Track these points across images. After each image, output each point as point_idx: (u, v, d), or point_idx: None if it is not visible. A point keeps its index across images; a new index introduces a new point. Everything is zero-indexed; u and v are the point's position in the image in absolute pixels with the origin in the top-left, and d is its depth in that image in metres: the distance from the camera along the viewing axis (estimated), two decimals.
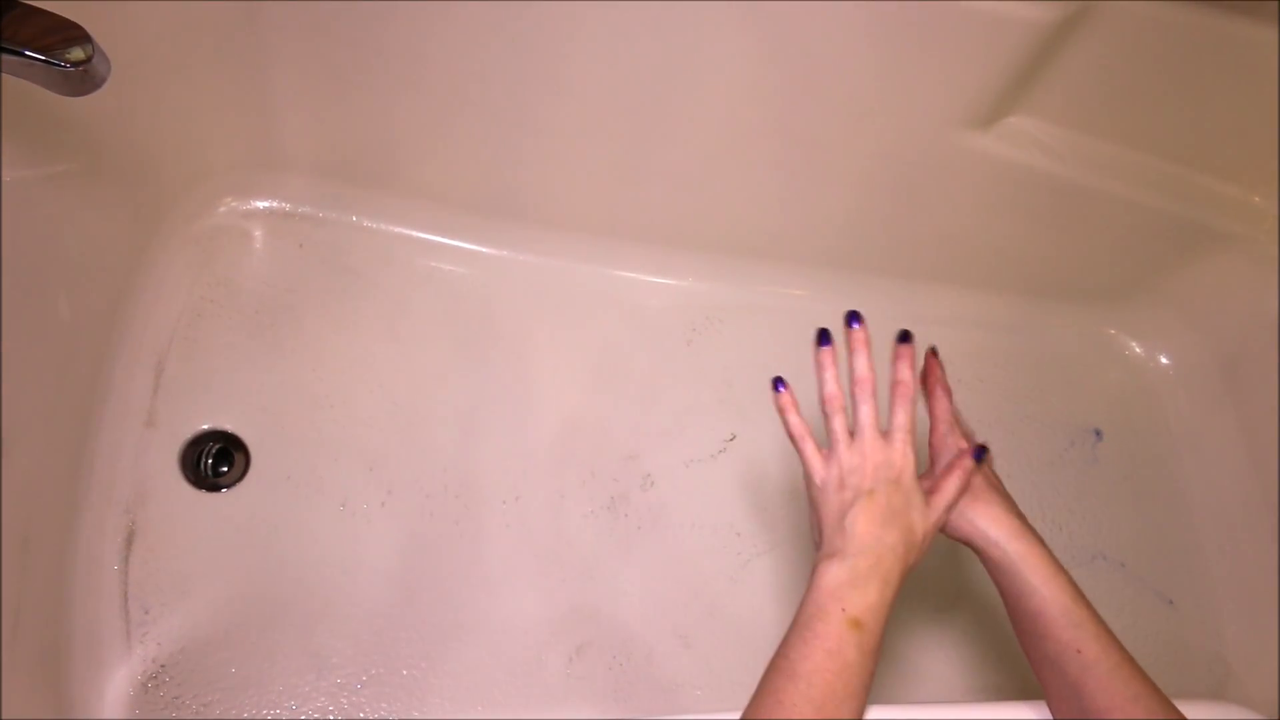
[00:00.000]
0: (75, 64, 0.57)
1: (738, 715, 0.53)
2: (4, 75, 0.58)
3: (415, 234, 1.14)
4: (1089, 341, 1.31)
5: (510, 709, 0.96)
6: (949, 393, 0.70)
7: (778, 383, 0.65)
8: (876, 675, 0.55)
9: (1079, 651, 0.56)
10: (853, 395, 0.62)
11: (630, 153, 1.06)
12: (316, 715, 0.91)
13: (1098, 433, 1.26)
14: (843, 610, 0.55)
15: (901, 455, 0.61)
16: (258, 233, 1.10)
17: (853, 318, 0.64)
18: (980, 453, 0.64)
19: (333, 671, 0.93)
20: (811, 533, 0.63)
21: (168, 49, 0.90)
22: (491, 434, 1.07)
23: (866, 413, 0.62)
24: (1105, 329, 1.32)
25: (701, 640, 1.03)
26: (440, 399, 1.08)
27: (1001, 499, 0.63)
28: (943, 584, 1.11)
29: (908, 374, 0.63)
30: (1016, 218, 1.13)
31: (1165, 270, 1.21)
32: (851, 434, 0.62)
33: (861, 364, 0.63)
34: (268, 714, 0.90)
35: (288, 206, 1.12)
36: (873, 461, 0.60)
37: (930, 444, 0.68)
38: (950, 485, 0.62)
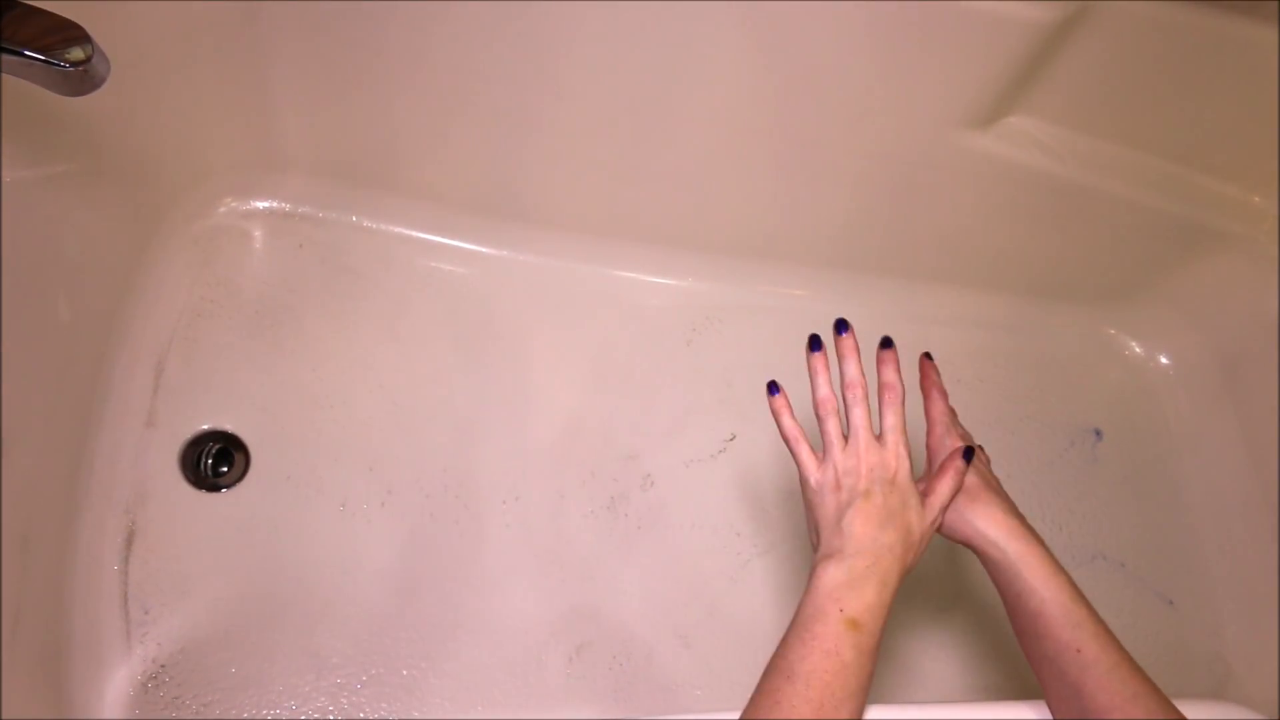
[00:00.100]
0: (75, 64, 0.57)
1: (737, 715, 0.53)
2: (4, 75, 0.58)
3: (415, 234, 1.14)
4: (1089, 341, 1.31)
5: (510, 709, 0.96)
6: (944, 395, 0.70)
7: (772, 386, 0.66)
8: (876, 675, 0.55)
9: (1078, 651, 0.56)
10: (845, 399, 0.63)
11: (630, 153, 1.06)
12: (316, 715, 0.91)
13: (1098, 433, 1.26)
14: (840, 611, 0.55)
15: (895, 456, 0.61)
16: (258, 233, 1.10)
17: (841, 326, 0.65)
18: (967, 452, 0.64)
19: (333, 671, 0.93)
20: (809, 534, 0.64)
21: (168, 49, 0.90)
22: (491, 434, 1.07)
23: (860, 415, 0.62)
24: (1105, 329, 1.32)
25: (701, 640, 1.03)
26: (440, 399, 1.08)
27: (1000, 499, 0.63)
28: (942, 584, 1.11)
29: (894, 377, 0.64)
30: (1016, 218, 1.13)
31: (1165, 270, 1.21)
32: (846, 437, 0.62)
33: (852, 369, 0.63)
34: (268, 714, 0.90)
35: (288, 206, 1.12)
36: (867, 463, 0.61)
37: (927, 445, 0.68)
38: (945, 486, 0.62)
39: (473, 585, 1.00)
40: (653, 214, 1.15)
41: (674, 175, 1.09)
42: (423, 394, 1.07)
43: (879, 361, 0.65)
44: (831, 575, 0.57)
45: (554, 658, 0.99)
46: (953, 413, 0.70)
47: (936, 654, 1.07)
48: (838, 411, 0.64)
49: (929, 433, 0.68)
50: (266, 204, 1.11)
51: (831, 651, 0.53)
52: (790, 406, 0.65)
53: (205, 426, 1.00)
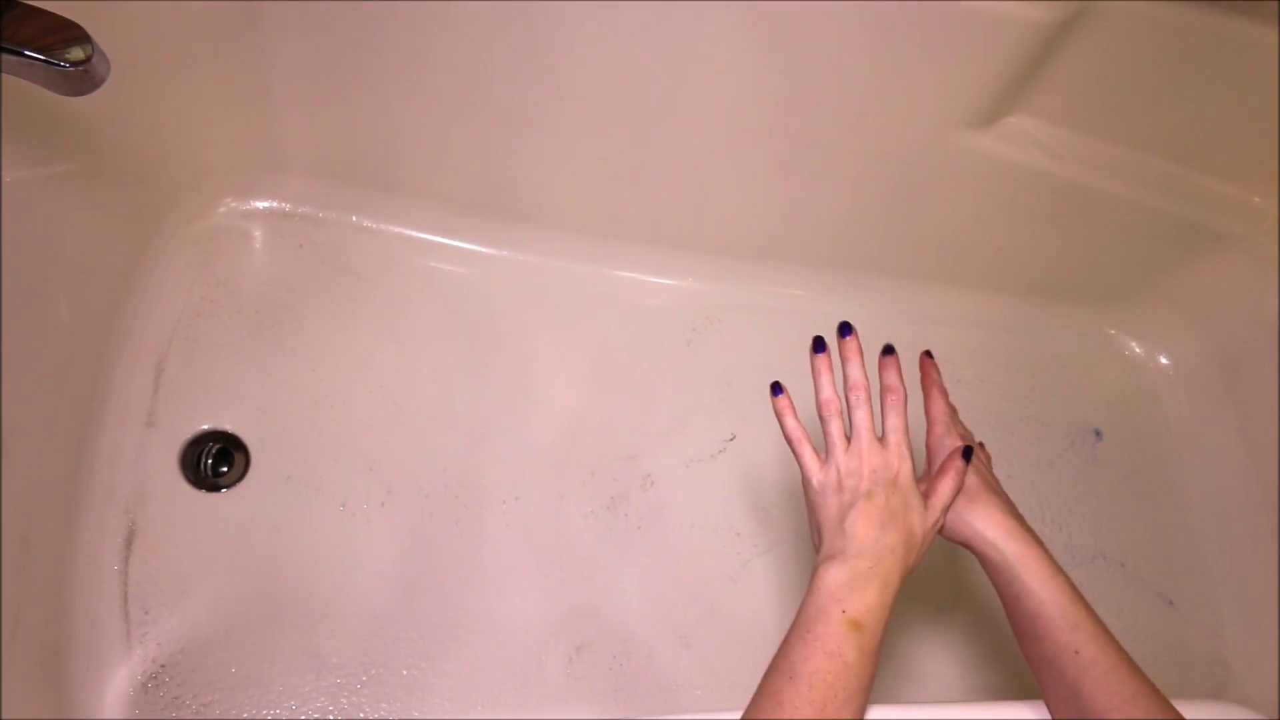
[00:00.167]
0: (75, 64, 0.57)
1: (737, 715, 0.53)
2: (4, 75, 0.58)
3: (415, 234, 1.14)
4: (1089, 341, 1.31)
5: (510, 709, 0.96)
6: (944, 393, 0.70)
7: (775, 387, 0.66)
8: (876, 675, 0.55)
9: (1077, 652, 0.56)
10: (848, 401, 0.63)
11: (630, 153, 1.06)
12: (316, 715, 0.91)
13: (1098, 433, 1.26)
14: (843, 612, 0.55)
15: (898, 457, 0.61)
16: (258, 233, 1.10)
17: (844, 329, 0.65)
18: (966, 452, 0.64)
19: (333, 671, 0.93)
20: (811, 535, 0.64)
21: (168, 49, 0.90)
22: (491, 434, 1.07)
23: (862, 416, 0.62)
24: (1105, 329, 1.32)
25: (701, 640, 1.03)
26: (440, 399, 1.08)
27: (999, 500, 0.63)
28: (942, 585, 1.11)
29: (896, 380, 0.64)
30: (1016, 218, 1.13)
31: (1165, 270, 1.21)
32: (848, 438, 0.62)
33: (855, 371, 0.64)
34: (268, 714, 0.90)
35: (288, 207, 1.12)
36: (870, 464, 0.61)
37: (927, 445, 0.68)
38: (945, 486, 0.62)
39: (473, 585, 1.00)
40: (653, 214, 1.15)
41: (674, 175, 1.09)
42: (423, 394, 1.07)
43: (881, 367, 0.65)
44: (833, 576, 0.57)
45: (554, 658, 0.99)
46: (953, 411, 0.70)
47: (936, 655, 1.08)
48: (841, 413, 0.64)
49: (929, 432, 0.69)
50: (266, 204, 1.11)
51: (834, 652, 0.53)
52: (793, 407, 0.65)
53: (205, 426, 1.00)
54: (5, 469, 0.75)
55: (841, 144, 1.03)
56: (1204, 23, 0.90)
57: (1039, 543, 0.61)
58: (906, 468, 0.61)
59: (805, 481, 0.64)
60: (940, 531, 0.64)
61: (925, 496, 0.62)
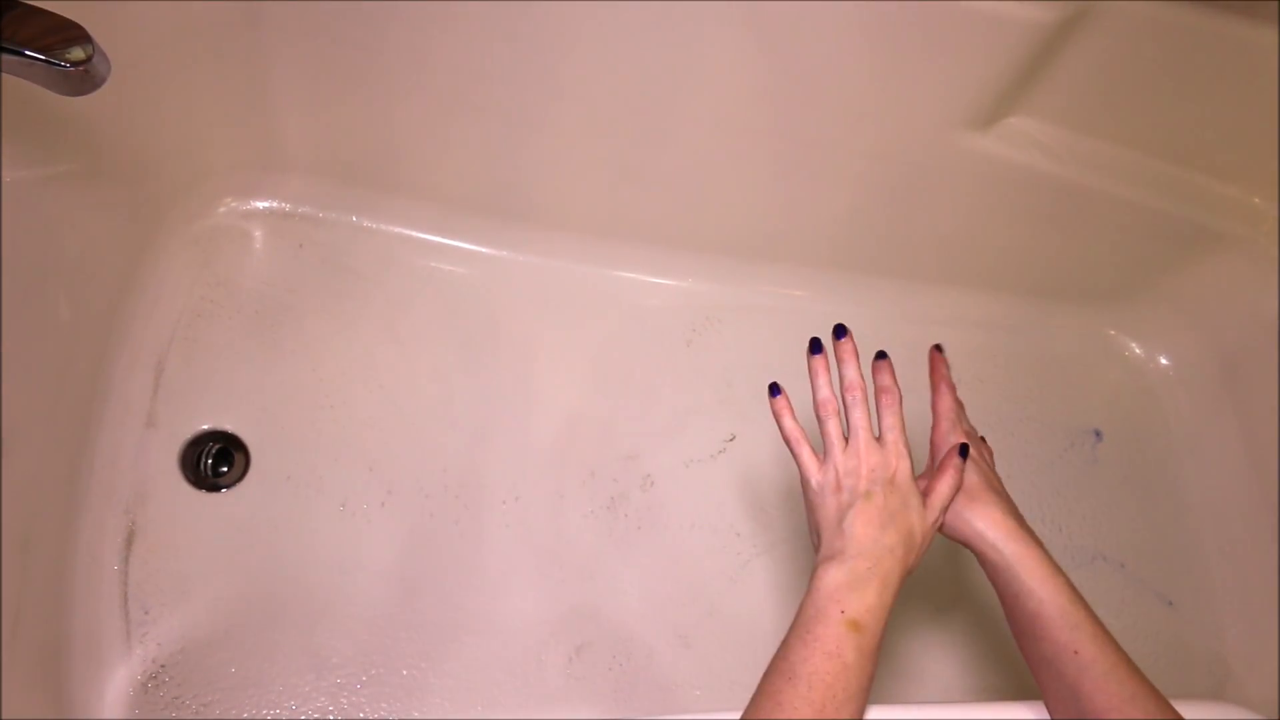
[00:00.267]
0: (75, 64, 0.57)
1: (737, 715, 0.53)
2: (4, 75, 0.58)
3: (416, 234, 1.14)
4: (1089, 341, 1.31)
5: (510, 709, 0.96)
6: (952, 388, 0.70)
7: (773, 388, 0.66)
8: (876, 675, 0.55)
9: (1076, 653, 0.56)
10: (844, 401, 0.63)
11: (631, 153, 1.06)
12: (316, 715, 0.91)
13: (1097, 433, 1.26)
14: (841, 612, 0.55)
15: (895, 456, 0.61)
16: (258, 233, 1.10)
17: (839, 331, 0.65)
18: (964, 450, 0.64)
19: (333, 671, 0.93)
20: (810, 535, 0.64)
21: (168, 49, 0.90)
22: (491, 434, 1.07)
23: (859, 416, 0.63)
24: (1105, 329, 1.32)
25: (701, 640, 1.03)
26: (440, 399, 1.08)
27: (999, 500, 0.63)
28: (942, 585, 1.11)
29: (890, 380, 0.64)
30: (1016, 218, 1.13)
31: (1165, 270, 1.21)
32: (846, 438, 0.63)
33: (851, 371, 0.64)
34: (268, 714, 0.90)
35: (288, 207, 1.12)
36: (868, 464, 0.61)
37: (931, 441, 0.68)
38: (944, 485, 0.62)
39: (473, 585, 1.00)
40: (653, 214, 1.15)
41: (674, 175, 1.09)
42: (423, 394, 1.07)
43: (874, 370, 0.65)
44: (832, 577, 0.57)
45: (554, 658, 0.99)
46: (960, 407, 0.70)
47: (936, 654, 1.07)
48: (838, 413, 0.64)
49: (934, 427, 0.69)
50: (267, 204, 1.11)
51: (833, 653, 0.53)
52: (791, 408, 0.66)
53: (205, 426, 1.00)
54: (5, 469, 0.75)
55: (841, 144, 1.03)
56: (1204, 23, 0.90)
57: (1038, 543, 0.61)
58: (904, 466, 0.61)
59: (804, 482, 0.64)
60: (941, 529, 0.64)
61: (924, 495, 0.62)
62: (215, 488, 0.98)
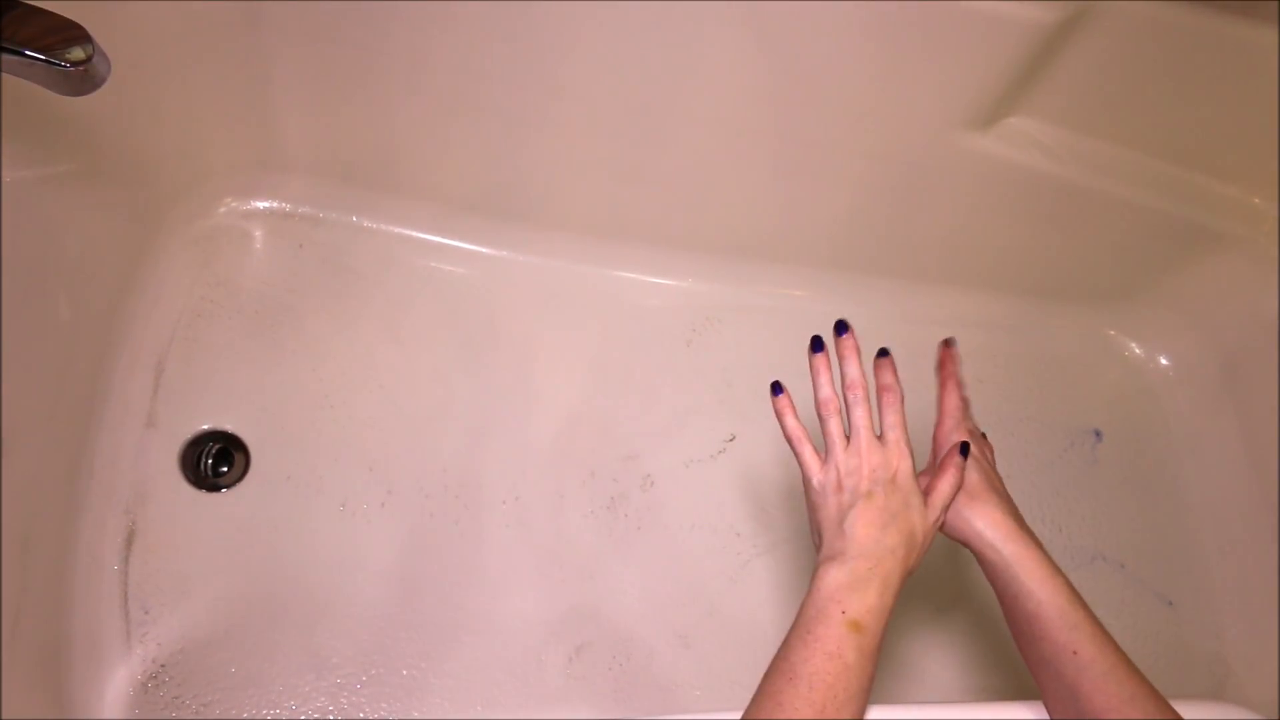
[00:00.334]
0: (75, 64, 0.57)
1: (737, 716, 0.53)
2: (4, 75, 0.58)
3: (416, 234, 1.14)
4: (1089, 342, 1.31)
5: (510, 709, 0.96)
6: (960, 386, 0.69)
7: (775, 386, 0.66)
8: (876, 675, 0.55)
9: (1075, 653, 0.56)
10: (845, 400, 0.63)
11: (631, 153, 1.06)
12: (316, 715, 0.91)
13: (1097, 433, 1.26)
14: (842, 613, 0.55)
15: (897, 455, 0.61)
16: (258, 233, 1.10)
17: (841, 327, 0.65)
18: (964, 449, 0.64)
19: (333, 671, 0.93)
20: (811, 535, 0.64)
21: (168, 49, 0.90)
22: (491, 434, 1.07)
23: (861, 415, 0.62)
24: (1105, 329, 1.32)
25: (701, 640, 1.03)
26: (440, 399, 1.08)
27: (1000, 500, 0.63)
28: (942, 585, 1.11)
29: (892, 378, 0.64)
30: (1016, 219, 1.13)
31: (1165, 271, 1.21)
32: (848, 437, 0.62)
33: (853, 369, 0.64)
34: (268, 714, 0.90)
35: (288, 207, 1.12)
36: (869, 464, 0.61)
37: (934, 437, 0.68)
38: (945, 484, 0.62)
39: (473, 585, 1.00)
40: (653, 214, 1.15)
41: (674, 175, 1.09)
42: (423, 394, 1.07)
43: (876, 368, 0.65)
44: (833, 577, 0.57)
45: (554, 658, 0.99)
46: (966, 405, 0.69)
47: (935, 654, 1.07)
48: (840, 412, 0.64)
49: (938, 423, 0.68)
50: (267, 204, 1.11)
51: (834, 653, 0.53)
52: (794, 407, 0.65)
53: (205, 426, 1.00)
54: (5, 469, 0.75)
55: (842, 144, 1.03)
56: (1204, 23, 0.90)
57: (1037, 543, 0.61)
58: (906, 466, 0.61)
59: (805, 481, 0.64)
60: (940, 528, 0.63)
61: (926, 494, 0.62)
62: (215, 488, 0.98)
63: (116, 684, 0.88)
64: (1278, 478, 1.13)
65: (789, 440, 0.65)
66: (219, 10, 0.89)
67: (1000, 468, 0.69)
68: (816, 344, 0.65)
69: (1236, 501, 1.19)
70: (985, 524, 0.61)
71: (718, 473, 1.12)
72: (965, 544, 0.63)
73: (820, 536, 0.61)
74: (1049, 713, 0.59)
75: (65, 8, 0.59)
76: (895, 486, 0.60)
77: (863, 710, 0.54)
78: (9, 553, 0.75)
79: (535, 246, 1.17)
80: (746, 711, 0.53)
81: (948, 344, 0.71)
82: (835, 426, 0.63)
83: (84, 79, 0.58)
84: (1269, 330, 1.14)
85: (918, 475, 0.63)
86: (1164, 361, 1.30)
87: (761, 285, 1.22)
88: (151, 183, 1.00)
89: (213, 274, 1.06)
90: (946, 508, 0.62)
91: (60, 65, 0.57)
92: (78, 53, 0.57)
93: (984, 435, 0.71)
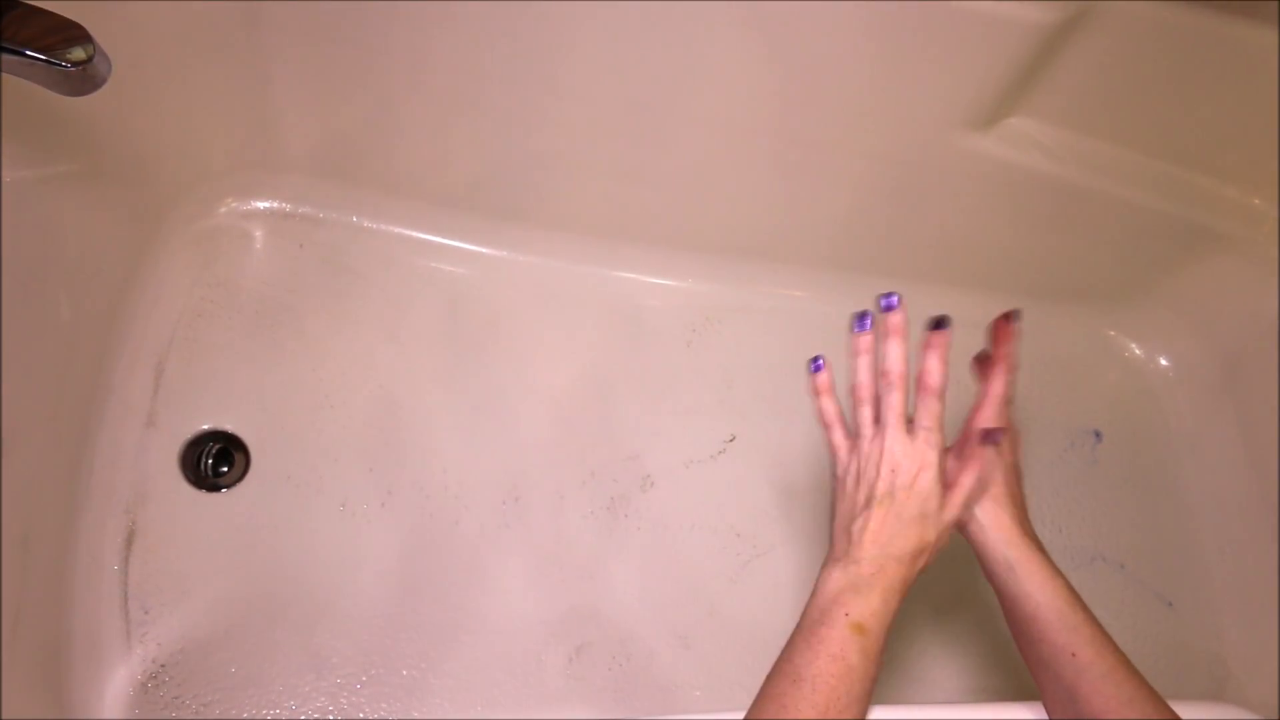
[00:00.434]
0: (76, 64, 0.57)
1: (738, 716, 0.53)
2: (4, 75, 0.58)
3: (416, 234, 1.14)
4: (1089, 342, 1.31)
5: (510, 709, 0.96)
6: (1010, 371, 0.62)
7: (816, 362, 0.62)
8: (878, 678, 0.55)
9: (1074, 655, 0.56)
10: (880, 385, 0.60)
11: (630, 153, 1.06)
12: (316, 715, 0.91)
13: (1097, 434, 1.26)
14: (846, 615, 0.55)
15: (923, 454, 0.58)
16: (258, 233, 1.10)
17: (887, 299, 0.59)
18: (991, 436, 0.61)
19: (333, 671, 0.93)
20: (829, 523, 0.62)
21: (168, 49, 0.90)
22: (491, 434, 1.07)
23: (893, 404, 0.59)
24: (1105, 330, 1.32)
25: (701, 640, 1.03)
26: (440, 399, 1.08)
27: (1010, 502, 0.62)
28: (942, 585, 1.11)
29: (936, 366, 0.59)
30: (1016, 219, 1.13)
31: (1165, 271, 1.21)
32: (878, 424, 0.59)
33: (893, 355, 0.59)
34: (268, 714, 0.90)
35: (288, 207, 1.12)
36: (890, 461, 0.58)
37: (968, 420, 0.63)
38: (967, 479, 0.60)
39: (472, 585, 1.00)
40: (653, 214, 1.15)
41: (674, 175, 1.09)
42: (423, 394, 1.07)
43: (925, 346, 0.59)
44: (837, 580, 0.57)
45: (554, 658, 0.99)
46: (1008, 395, 0.64)
47: (935, 655, 1.07)
48: (874, 399, 0.60)
49: (977, 407, 0.63)
50: (267, 204, 1.11)
51: (837, 655, 0.53)
52: (832, 387, 0.62)
53: (205, 426, 1.00)
54: (5, 469, 0.75)
55: (842, 144, 1.03)
56: (1204, 23, 0.90)
57: (1039, 545, 0.61)
58: (931, 465, 0.58)
59: (832, 464, 0.62)
60: None
61: (947, 488, 0.59)
62: (215, 488, 0.98)
63: (116, 684, 0.88)
64: (1278, 478, 1.13)
65: (822, 422, 0.62)
66: (219, 10, 0.89)
67: None
68: (861, 321, 0.61)
69: (1236, 501, 1.19)
70: (990, 524, 0.61)
71: (718, 473, 1.12)
72: (967, 540, 0.63)
73: (832, 532, 0.61)
74: (1048, 714, 0.59)
75: (65, 8, 0.59)
76: (913, 492, 0.58)
77: (865, 712, 0.54)
78: (9, 553, 0.75)
79: (535, 246, 1.17)
80: (749, 713, 0.53)
81: (1008, 318, 0.63)
82: (866, 414, 0.60)
83: (84, 79, 0.58)
84: (1269, 330, 1.14)
85: (944, 451, 0.59)
86: (1164, 362, 1.30)
87: (761, 285, 1.22)
88: (152, 183, 1.00)
89: (213, 274, 1.06)
90: (967, 504, 0.60)
91: (61, 65, 0.57)
92: (78, 53, 0.57)
93: (1008, 429, 0.65)
